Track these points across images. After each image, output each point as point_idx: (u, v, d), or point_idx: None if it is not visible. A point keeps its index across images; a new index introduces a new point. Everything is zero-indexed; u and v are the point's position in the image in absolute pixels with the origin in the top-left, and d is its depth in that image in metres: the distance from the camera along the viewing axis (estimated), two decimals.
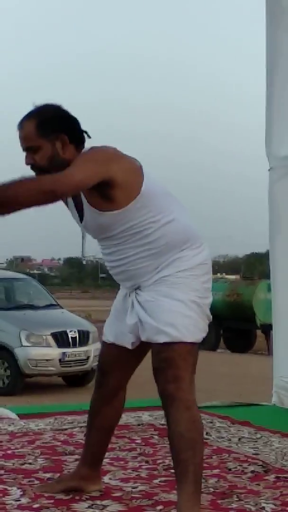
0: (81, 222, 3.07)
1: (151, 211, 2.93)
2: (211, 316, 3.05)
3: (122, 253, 3.00)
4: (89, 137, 3.03)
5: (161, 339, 2.90)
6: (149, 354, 3.06)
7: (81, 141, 3.01)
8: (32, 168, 2.99)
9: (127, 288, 3.10)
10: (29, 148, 2.96)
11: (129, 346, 3.09)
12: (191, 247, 2.98)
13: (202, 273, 3.00)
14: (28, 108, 3.01)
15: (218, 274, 40.87)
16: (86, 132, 3.04)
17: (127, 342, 3.09)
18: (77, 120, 3.02)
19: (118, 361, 3.22)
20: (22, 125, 2.97)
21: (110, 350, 3.24)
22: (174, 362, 2.89)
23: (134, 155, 3.00)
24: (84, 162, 2.84)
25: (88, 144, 3.02)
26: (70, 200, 3.07)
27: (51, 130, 2.94)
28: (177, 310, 2.91)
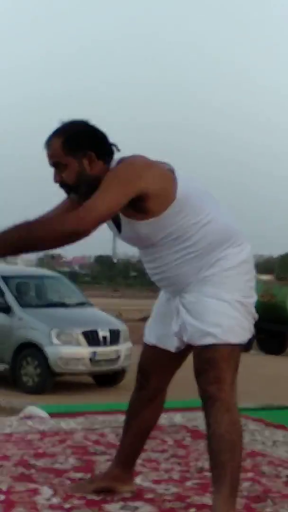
0: (119, 233, 3.03)
1: (189, 214, 2.88)
2: (256, 315, 3.00)
3: (164, 260, 2.96)
4: (118, 150, 2.98)
5: (207, 341, 2.86)
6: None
7: (110, 155, 2.97)
8: (61, 185, 2.97)
9: (171, 293, 3.06)
10: (57, 165, 2.93)
11: (173, 350, 3.06)
12: (233, 245, 2.93)
13: (245, 271, 2.96)
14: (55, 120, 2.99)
15: None
16: (115, 145, 2.98)
17: (171, 345, 3.06)
18: (105, 134, 2.97)
19: (159, 363, 3.18)
20: (49, 142, 2.94)
21: (151, 352, 3.20)
22: (217, 363, 2.86)
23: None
24: (109, 188, 2.78)
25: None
26: None
27: (77, 147, 2.90)
28: (222, 310, 2.87)
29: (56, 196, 3.07)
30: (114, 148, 2.98)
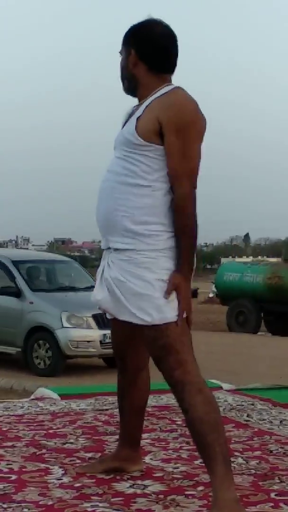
0: (121, 129, 3.08)
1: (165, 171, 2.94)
2: None
3: (116, 176, 3.03)
4: (172, 71, 3.03)
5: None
6: None
7: (160, 66, 3.00)
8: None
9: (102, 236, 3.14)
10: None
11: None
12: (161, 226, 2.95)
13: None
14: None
15: (260, 257, 40.57)
16: (169, 60, 3.02)
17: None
18: (160, 45, 2.98)
19: (130, 341, 3.22)
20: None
21: (118, 329, 3.23)
22: (172, 347, 2.86)
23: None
24: (194, 144, 2.86)
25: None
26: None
27: (128, 41, 3.03)
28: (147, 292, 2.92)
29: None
30: (168, 67, 3.02)
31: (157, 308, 2.86)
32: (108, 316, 3.22)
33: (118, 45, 3.07)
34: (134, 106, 3.09)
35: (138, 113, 2.94)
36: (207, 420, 2.82)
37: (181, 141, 2.84)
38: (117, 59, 3.08)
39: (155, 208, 2.90)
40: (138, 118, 2.92)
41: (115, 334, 3.31)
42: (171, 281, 2.85)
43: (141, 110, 2.93)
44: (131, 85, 3.04)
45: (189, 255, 2.87)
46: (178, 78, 3.03)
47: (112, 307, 3.01)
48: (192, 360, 2.89)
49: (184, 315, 2.88)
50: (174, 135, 2.84)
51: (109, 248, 3.02)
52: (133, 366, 3.31)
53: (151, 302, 2.86)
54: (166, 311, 2.86)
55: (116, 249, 2.97)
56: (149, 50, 2.99)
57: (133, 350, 3.26)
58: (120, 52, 3.07)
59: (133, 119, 2.95)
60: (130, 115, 3.05)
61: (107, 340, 10.97)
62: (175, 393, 2.92)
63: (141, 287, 2.88)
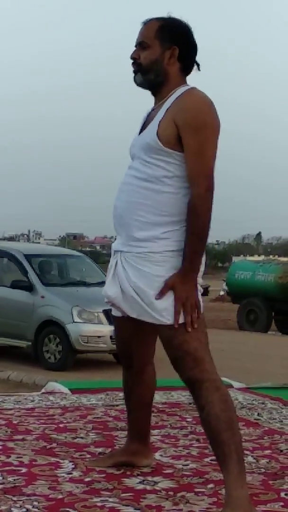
0: (138, 134, 3.06)
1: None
2: None
3: (134, 180, 3.03)
4: (199, 69, 3.05)
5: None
6: None
7: (189, 68, 3.03)
8: (133, 63, 3.04)
9: (117, 233, 3.14)
10: (141, 43, 3.01)
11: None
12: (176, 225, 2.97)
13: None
14: None
15: (271, 256, 40.51)
16: (198, 64, 3.05)
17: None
18: (196, 49, 3.03)
19: (135, 338, 3.22)
20: (147, 22, 3.04)
21: (122, 327, 3.24)
22: (190, 345, 2.86)
23: None
24: (210, 144, 2.86)
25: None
26: None
27: (169, 37, 2.98)
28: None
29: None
30: (195, 65, 3.05)
31: (171, 308, 2.86)
32: (114, 313, 3.23)
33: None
34: (151, 109, 3.08)
35: (159, 116, 2.93)
36: (223, 418, 2.83)
37: (197, 142, 2.84)
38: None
39: (174, 212, 2.90)
40: (159, 122, 2.91)
41: (120, 330, 3.30)
42: (165, 282, 2.85)
43: (162, 113, 2.92)
44: (158, 79, 3.00)
45: (194, 256, 2.85)
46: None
47: (124, 304, 3.01)
48: (209, 358, 2.90)
49: (196, 315, 2.86)
50: (191, 137, 2.85)
51: (122, 247, 3.02)
52: (139, 361, 3.31)
53: (164, 302, 2.86)
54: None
55: (130, 249, 2.97)
56: (188, 52, 3.01)
57: (138, 346, 3.27)
58: (142, 44, 3.01)
59: (155, 123, 2.93)
60: (148, 118, 3.04)
61: None
62: (193, 391, 2.92)
63: (154, 286, 2.88)
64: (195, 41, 3.02)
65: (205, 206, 2.83)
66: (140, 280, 2.91)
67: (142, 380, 3.35)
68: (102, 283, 13.37)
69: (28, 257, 11.75)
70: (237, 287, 20.21)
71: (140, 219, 2.94)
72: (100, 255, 74.82)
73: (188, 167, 2.86)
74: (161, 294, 2.85)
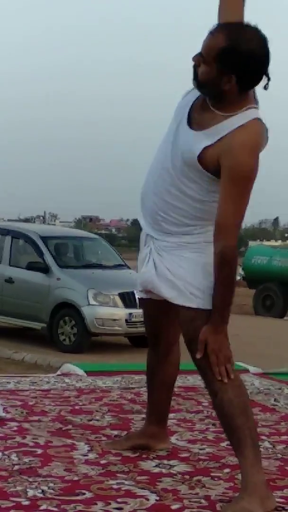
0: (174, 139, 2.95)
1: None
2: None
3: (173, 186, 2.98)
4: (265, 88, 2.83)
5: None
6: None
7: (251, 85, 2.84)
8: (194, 67, 2.84)
9: (148, 227, 3.11)
10: (202, 55, 2.80)
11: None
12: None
13: None
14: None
15: None
16: (268, 77, 2.81)
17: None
18: (260, 76, 2.81)
19: (163, 318, 3.22)
20: (214, 34, 2.79)
21: (150, 308, 3.26)
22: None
23: None
24: (247, 194, 2.80)
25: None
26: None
27: (226, 65, 2.75)
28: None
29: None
30: (260, 81, 2.82)
31: (203, 292, 2.86)
32: (140, 294, 3.20)
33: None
34: (195, 100, 2.94)
35: (209, 136, 2.81)
36: (237, 403, 2.80)
37: (235, 192, 2.77)
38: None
39: (206, 217, 2.91)
40: (206, 147, 2.81)
41: (148, 310, 3.30)
42: (199, 338, 2.82)
43: (213, 138, 2.80)
44: (213, 94, 2.84)
45: (224, 307, 2.81)
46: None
47: (157, 285, 3.00)
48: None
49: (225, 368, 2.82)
50: (231, 185, 2.77)
51: (154, 232, 3.03)
52: (166, 340, 3.31)
53: (197, 285, 2.87)
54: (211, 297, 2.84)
55: (163, 237, 2.99)
56: (248, 77, 2.79)
57: (167, 325, 3.26)
58: (202, 56, 2.80)
59: (199, 145, 2.82)
60: (194, 107, 2.92)
61: (133, 319, 10.98)
62: (205, 375, 2.89)
63: (189, 270, 2.89)
64: (258, 64, 2.78)
65: (235, 256, 2.82)
66: (176, 264, 2.93)
67: (167, 360, 3.35)
68: (117, 266, 13.51)
69: (44, 239, 11.75)
70: (253, 272, 20.13)
71: (171, 220, 2.95)
72: (115, 238, 74.95)
73: (219, 212, 2.79)
74: (200, 353, 2.82)
